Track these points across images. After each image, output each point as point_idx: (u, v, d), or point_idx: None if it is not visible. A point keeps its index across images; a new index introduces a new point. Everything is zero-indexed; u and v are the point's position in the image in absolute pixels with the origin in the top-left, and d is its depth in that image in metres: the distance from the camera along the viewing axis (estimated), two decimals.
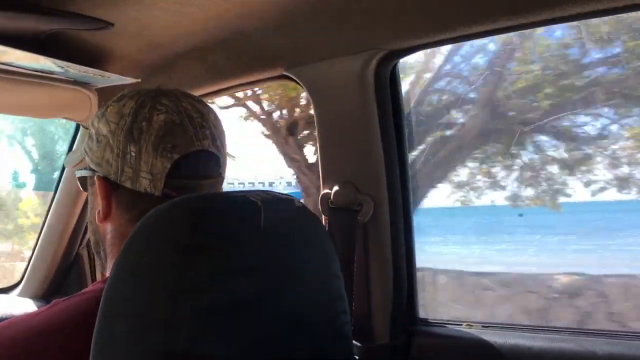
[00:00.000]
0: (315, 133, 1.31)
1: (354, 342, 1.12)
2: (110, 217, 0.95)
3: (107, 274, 0.96)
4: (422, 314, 1.36)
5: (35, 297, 1.97)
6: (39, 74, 1.43)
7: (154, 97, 0.94)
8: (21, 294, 2.01)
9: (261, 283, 0.74)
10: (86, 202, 1.85)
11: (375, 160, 1.23)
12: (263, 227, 0.75)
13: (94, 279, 1.92)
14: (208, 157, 0.95)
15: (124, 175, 0.92)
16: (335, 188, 1.26)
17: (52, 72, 1.43)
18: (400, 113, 1.26)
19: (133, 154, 0.91)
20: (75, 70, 1.39)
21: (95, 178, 0.95)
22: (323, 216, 1.30)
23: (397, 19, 1.10)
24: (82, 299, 0.85)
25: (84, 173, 1.00)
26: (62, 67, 1.37)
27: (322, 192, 1.30)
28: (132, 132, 0.92)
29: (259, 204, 0.76)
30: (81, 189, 1.04)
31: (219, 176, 0.98)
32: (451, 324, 1.30)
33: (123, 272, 0.71)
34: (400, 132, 1.26)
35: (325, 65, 1.23)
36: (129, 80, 1.43)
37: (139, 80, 1.42)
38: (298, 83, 1.30)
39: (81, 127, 1.78)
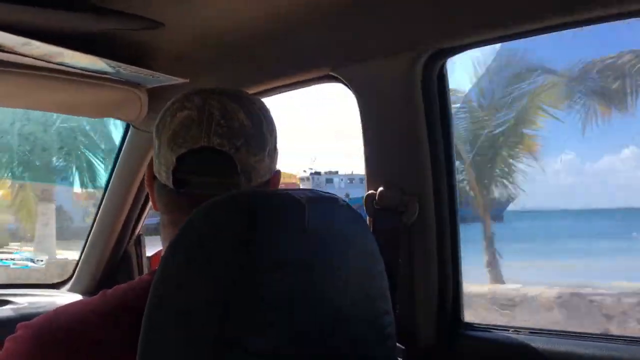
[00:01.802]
0: (362, 134, 1.31)
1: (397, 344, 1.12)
2: (156, 206, 1.00)
3: None
4: (467, 317, 1.34)
5: (85, 293, 2.02)
6: (92, 74, 1.47)
7: (189, 94, 0.96)
8: (71, 290, 2.07)
9: (305, 280, 0.75)
10: (135, 199, 1.90)
11: (422, 161, 1.22)
12: (307, 225, 0.76)
13: (141, 275, 1.97)
14: (217, 155, 0.92)
15: (155, 166, 0.97)
16: (380, 189, 1.26)
17: (104, 72, 1.47)
18: (448, 113, 1.25)
19: (157, 146, 0.96)
20: (126, 70, 1.42)
21: (147, 168, 1.01)
22: (368, 217, 1.30)
23: (447, 16, 1.09)
24: (129, 287, 0.87)
25: None
26: (114, 67, 1.41)
27: (366, 193, 1.30)
28: (159, 126, 0.97)
29: (304, 203, 0.76)
30: None
31: (235, 176, 0.93)
32: (497, 329, 1.28)
33: (172, 265, 0.73)
34: (447, 133, 1.25)
35: (371, 64, 1.24)
36: (177, 80, 1.45)
37: (188, 80, 1.45)
38: (344, 83, 1.30)
39: (131, 127, 1.82)
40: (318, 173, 22.48)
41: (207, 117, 0.93)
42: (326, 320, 0.78)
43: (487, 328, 1.30)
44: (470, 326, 1.32)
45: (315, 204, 0.79)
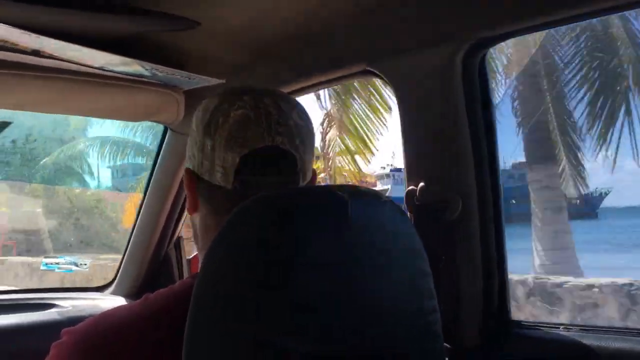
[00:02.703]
0: (400, 129, 1.29)
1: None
2: (197, 209, 0.98)
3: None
4: (514, 316, 1.31)
5: (128, 296, 2.06)
6: (129, 77, 1.49)
7: (237, 94, 0.96)
8: (114, 292, 2.10)
9: (346, 279, 0.74)
10: (174, 202, 1.92)
11: (463, 156, 1.20)
12: (349, 222, 0.75)
13: (181, 278, 1.99)
14: (280, 154, 0.93)
15: (203, 167, 0.95)
16: (421, 185, 1.24)
17: (141, 76, 1.49)
18: (490, 105, 1.22)
19: (209, 147, 0.94)
20: (163, 73, 1.43)
21: (184, 170, 0.99)
22: (408, 213, 1.28)
23: (487, 4, 1.07)
24: (171, 291, 0.88)
25: (186, 166, 1.03)
26: (150, 70, 1.42)
27: (407, 189, 1.28)
28: (210, 126, 0.94)
29: (346, 198, 0.75)
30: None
31: (294, 175, 0.95)
32: (547, 327, 1.25)
33: (211, 268, 0.73)
34: (489, 126, 1.22)
35: (409, 57, 1.22)
36: (214, 81, 1.46)
37: (224, 81, 1.45)
38: (381, 78, 1.29)
39: (169, 130, 1.84)
40: (398, 169, 20.47)
41: (266, 116, 0.93)
42: (370, 320, 0.77)
43: (535, 326, 1.26)
44: (518, 324, 1.28)
45: (358, 199, 0.78)
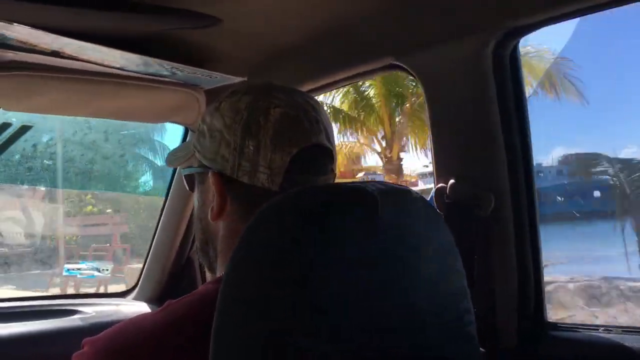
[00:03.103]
0: (429, 124, 1.26)
1: None
2: (223, 214, 0.94)
3: (218, 273, 0.97)
4: (550, 317, 1.27)
5: (150, 301, 2.05)
6: (149, 77, 1.48)
7: (268, 91, 0.95)
8: (136, 298, 2.10)
9: (377, 277, 0.72)
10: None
11: (496, 151, 1.16)
12: (380, 219, 0.73)
13: (204, 282, 1.97)
14: (322, 152, 0.94)
15: (241, 170, 0.92)
16: (451, 182, 1.21)
17: (161, 75, 1.47)
18: (523, 98, 1.18)
19: (252, 148, 0.91)
20: (183, 72, 1.42)
21: (210, 174, 0.94)
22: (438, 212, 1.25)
23: None
24: (195, 298, 0.86)
25: (192, 170, 1.01)
26: (171, 70, 1.41)
27: (436, 186, 1.25)
28: (250, 126, 0.92)
29: (376, 195, 0.73)
30: (187, 188, 1.05)
31: (332, 172, 0.97)
32: (585, 329, 1.21)
33: (239, 265, 0.71)
34: (522, 120, 1.18)
35: (438, 50, 1.18)
36: (236, 79, 1.44)
37: (246, 79, 1.43)
38: (409, 72, 1.26)
39: (190, 132, 1.83)
40: None
41: (305, 114, 0.93)
42: (402, 321, 0.75)
43: (573, 328, 1.23)
44: (555, 326, 1.25)
45: (388, 196, 0.75)
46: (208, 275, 1.03)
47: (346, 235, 0.70)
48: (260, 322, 0.66)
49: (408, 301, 0.75)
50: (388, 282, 0.73)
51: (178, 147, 1.13)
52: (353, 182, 0.81)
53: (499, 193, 1.17)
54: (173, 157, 1.09)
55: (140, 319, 0.86)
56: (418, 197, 0.82)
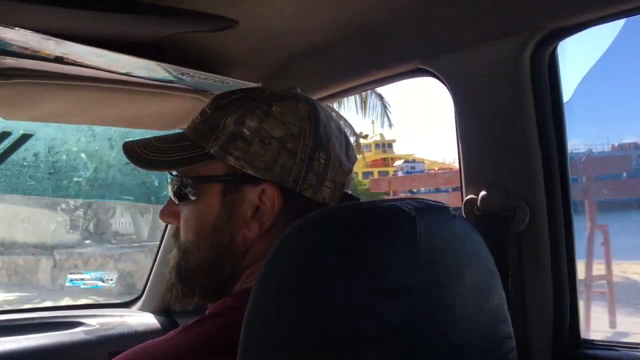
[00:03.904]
0: (456, 132, 1.20)
1: None
2: (269, 230, 0.89)
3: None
4: (585, 335, 1.21)
5: (156, 312, 2.00)
6: (157, 83, 1.43)
7: (314, 101, 0.94)
8: (142, 308, 2.06)
9: (416, 306, 0.66)
10: None
11: (531, 161, 1.10)
12: (420, 241, 0.67)
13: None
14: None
15: (306, 183, 0.88)
16: (483, 193, 1.15)
17: (169, 81, 1.43)
18: (560, 105, 1.11)
19: (322, 160, 0.89)
20: (194, 77, 1.37)
21: (264, 186, 0.88)
22: None
23: None
24: (220, 322, 0.80)
25: (214, 179, 0.91)
26: (180, 75, 1.36)
27: (465, 198, 1.19)
28: (321, 137, 0.89)
29: (413, 214, 0.68)
30: (182, 197, 0.94)
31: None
32: (622, 347, 1.15)
33: (265, 292, 0.66)
34: (560, 126, 1.12)
35: (469, 53, 1.12)
36: (249, 84, 1.39)
37: (260, 84, 1.39)
38: (436, 76, 1.20)
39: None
40: None
41: (339, 125, 0.95)
42: (443, 354, 0.69)
43: (610, 346, 1.17)
44: (591, 344, 1.19)
45: (426, 215, 0.70)
46: None
47: (381, 261, 0.64)
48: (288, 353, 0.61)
49: (450, 331, 0.70)
50: (429, 311, 0.68)
51: (161, 146, 0.96)
52: (385, 200, 0.75)
53: (534, 205, 1.11)
54: (162, 159, 0.95)
55: (161, 342, 0.80)
56: (456, 214, 0.77)
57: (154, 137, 0.98)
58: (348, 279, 0.62)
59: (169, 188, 0.97)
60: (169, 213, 0.98)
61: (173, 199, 0.95)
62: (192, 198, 0.92)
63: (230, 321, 0.73)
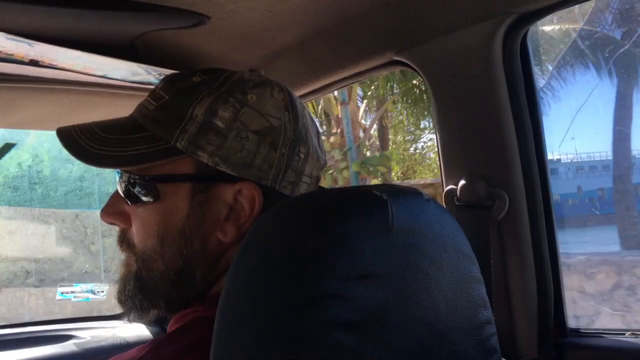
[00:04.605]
0: (434, 122, 1.21)
1: None
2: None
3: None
4: (572, 323, 1.22)
5: (148, 322, 2.00)
6: (135, 85, 1.43)
7: (286, 87, 0.87)
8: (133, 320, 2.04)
9: (391, 290, 0.66)
10: None
11: (508, 148, 1.10)
12: (392, 226, 0.67)
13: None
14: None
15: (285, 179, 0.82)
16: (462, 182, 1.15)
17: (150, 83, 1.42)
18: (533, 90, 1.12)
19: (302, 155, 0.83)
20: None
21: (243, 185, 0.80)
22: None
23: None
24: (196, 338, 0.73)
25: (179, 178, 0.81)
26: (158, 76, 1.36)
27: (445, 188, 1.19)
28: (301, 130, 0.83)
29: (385, 198, 0.67)
30: (143, 197, 0.81)
31: None
32: (610, 334, 1.15)
33: (238, 283, 0.65)
34: (534, 113, 1.13)
35: (442, 41, 1.13)
36: None
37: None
38: (411, 67, 1.20)
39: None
40: None
41: (309, 112, 0.89)
42: (420, 337, 0.69)
43: (597, 333, 1.17)
44: (577, 332, 1.19)
45: (399, 199, 0.70)
46: None
47: (355, 246, 0.64)
48: (265, 351, 0.60)
49: (426, 314, 0.70)
50: (404, 295, 0.67)
51: (109, 137, 0.83)
52: (356, 186, 0.75)
53: (513, 192, 1.12)
54: (115, 154, 0.81)
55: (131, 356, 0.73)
56: (430, 199, 0.77)
57: (97, 124, 0.85)
58: (320, 264, 0.61)
59: (118, 186, 0.85)
60: (115, 213, 0.86)
61: (124, 198, 0.84)
62: (151, 199, 0.81)
63: (206, 337, 0.66)
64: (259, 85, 0.83)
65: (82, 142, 0.83)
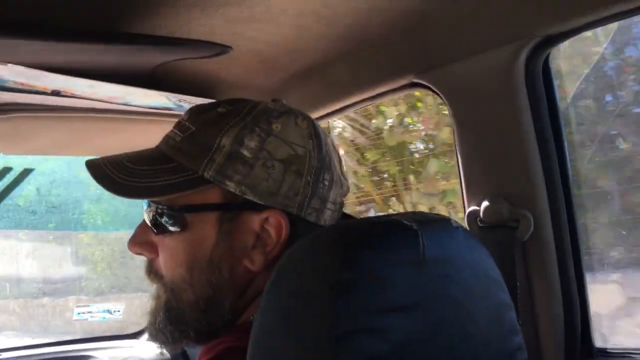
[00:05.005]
0: (455, 143, 1.20)
1: None
2: (273, 261, 0.80)
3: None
4: (599, 343, 1.20)
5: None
6: (155, 111, 1.43)
7: (308, 115, 0.88)
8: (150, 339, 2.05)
9: (424, 322, 0.65)
10: None
11: (532, 169, 1.10)
12: (423, 257, 0.66)
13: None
14: None
15: (311, 207, 0.82)
16: (485, 204, 1.15)
17: (169, 109, 1.43)
18: (557, 111, 1.11)
19: (326, 182, 0.83)
20: (191, 104, 1.38)
21: (267, 212, 0.80)
22: None
23: None
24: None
25: (207, 207, 0.81)
26: (178, 102, 1.37)
27: (468, 210, 1.19)
28: (324, 157, 0.83)
29: (415, 228, 0.67)
30: (170, 227, 0.82)
31: None
32: (637, 354, 1.14)
33: (269, 318, 0.65)
34: (558, 134, 1.12)
35: (463, 64, 1.12)
36: None
37: None
38: (432, 90, 1.20)
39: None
40: None
41: (332, 139, 0.89)
42: None
43: (624, 353, 1.16)
44: (604, 352, 1.18)
45: (429, 229, 0.69)
46: None
47: (386, 277, 0.63)
48: None
49: (459, 345, 0.69)
50: (437, 326, 0.66)
51: (138, 169, 0.84)
52: (386, 215, 0.75)
53: (538, 212, 1.11)
54: (144, 185, 0.82)
55: None
56: (458, 226, 0.76)
57: (125, 157, 0.87)
58: (352, 299, 0.61)
59: (146, 216, 0.86)
60: (142, 243, 0.87)
61: (151, 228, 0.85)
62: (178, 229, 0.82)
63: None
64: (283, 114, 0.84)
65: (112, 173, 0.84)
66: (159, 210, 0.83)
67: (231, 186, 0.80)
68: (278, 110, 0.85)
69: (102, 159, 0.87)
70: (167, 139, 0.87)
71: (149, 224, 0.85)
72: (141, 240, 0.86)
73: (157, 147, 0.89)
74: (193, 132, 0.83)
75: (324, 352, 0.59)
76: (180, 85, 1.29)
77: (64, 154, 1.72)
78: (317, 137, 0.84)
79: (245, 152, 0.80)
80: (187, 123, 0.85)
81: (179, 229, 0.82)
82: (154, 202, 0.84)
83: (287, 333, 0.62)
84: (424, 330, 0.65)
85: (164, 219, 0.83)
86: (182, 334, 0.83)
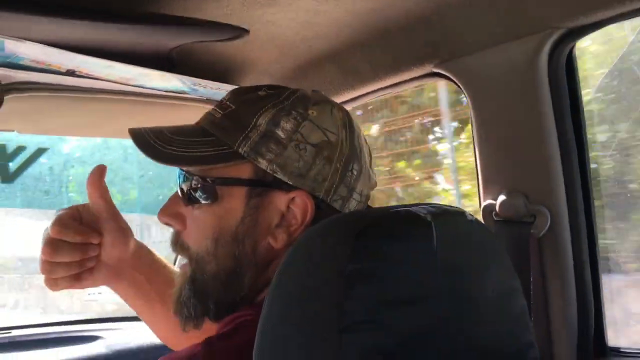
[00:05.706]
0: (473, 135, 1.19)
1: None
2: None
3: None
4: (612, 342, 1.19)
5: None
6: (169, 94, 1.43)
7: (344, 108, 0.91)
8: None
9: (435, 315, 0.65)
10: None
11: (551, 164, 1.08)
12: (435, 248, 0.65)
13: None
14: None
15: (337, 194, 0.85)
16: (501, 198, 1.13)
17: (184, 92, 1.43)
18: (579, 106, 1.10)
19: (355, 172, 0.86)
20: (206, 87, 1.37)
21: (297, 193, 0.83)
22: None
23: None
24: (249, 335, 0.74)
25: (237, 182, 0.85)
26: (193, 86, 1.36)
27: (484, 203, 1.17)
28: (356, 148, 0.87)
29: (429, 220, 0.66)
30: (201, 197, 0.85)
31: None
32: None
33: (278, 302, 0.65)
34: (579, 129, 1.11)
35: (484, 55, 1.11)
36: None
37: None
38: (451, 80, 1.19)
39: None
40: None
41: (364, 136, 0.92)
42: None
43: (638, 353, 1.14)
44: (618, 352, 1.16)
45: (442, 220, 0.68)
46: None
47: (397, 268, 0.63)
48: None
49: (471, 341, 0.68)
50: (445, 320, 0.66)
51: (177, 138, 0.87)
52: (399, 206, 0.74)
53: (555, 209, 1.09)
54: (181, 153, 0.85)
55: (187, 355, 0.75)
56: (473, 219, 0.75)
57: (166, 128, 0.90)
58: (361, 289, 0.60)
59: (180, 187, 0.89)
60: (172, 214, 0.90)
61: (183, 199, 0.88)
62: (209, 201, 0.85)
63: (252, 340, 0.67)
64: (320, 102, 0.87)
65: (153, 141, 0.87)
66: (193, 181, 0.86)
67: (263, 164, 0.83)
68: (315, 98, 0.88)
69: (144, 128, 0.91)
70: (208, 115, 0.91)
71: (181, 195, 0.88)
72: (171, 212, 0.90)
73: (197, 123, 0.92)
74: (232, 110, 0.87)
75: (329, 342, 0.59)
76: (195, 68, 1.28)
77: (79, 135, 1.72)
78: (350, 127, 0.87)
79: (280, 133, 0.83)
80: (227, 102, 0.89)
81: (209, 201, 0.85)
82: (188, 173, 0.87)
83: (293, 322, 0.62)
84: (432, 324, 0.64)
85: (196, 190, 0.86)
86: (204, 309, 0.86)
